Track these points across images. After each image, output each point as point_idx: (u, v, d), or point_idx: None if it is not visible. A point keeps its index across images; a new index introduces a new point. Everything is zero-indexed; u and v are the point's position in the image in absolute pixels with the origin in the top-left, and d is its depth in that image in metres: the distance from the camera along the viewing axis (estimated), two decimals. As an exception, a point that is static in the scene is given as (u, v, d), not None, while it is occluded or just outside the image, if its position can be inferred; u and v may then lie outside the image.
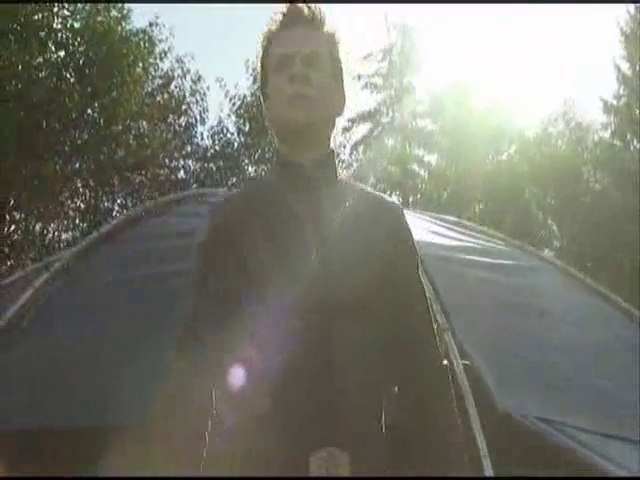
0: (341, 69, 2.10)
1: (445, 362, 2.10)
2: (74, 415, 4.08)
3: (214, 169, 14.92)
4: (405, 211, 5.55)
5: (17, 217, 13.72)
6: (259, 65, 2.11)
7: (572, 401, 4.38)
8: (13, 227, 13.76)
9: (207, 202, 5.45)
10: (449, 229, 5.53)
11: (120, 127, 13.83)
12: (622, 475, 3.90)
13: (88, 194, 14.24)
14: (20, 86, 12.54)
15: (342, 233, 1.99)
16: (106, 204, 14.66)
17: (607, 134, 25.65)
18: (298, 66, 1.99)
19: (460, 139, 26.70)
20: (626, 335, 5.27)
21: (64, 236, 14.44)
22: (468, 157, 26.38)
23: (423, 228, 5.22)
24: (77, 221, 14.58)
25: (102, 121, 13.55)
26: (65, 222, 14.23)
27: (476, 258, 5.05)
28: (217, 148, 15.29)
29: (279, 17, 2.07)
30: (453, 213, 24.35)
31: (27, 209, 13.30)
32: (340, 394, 1.92)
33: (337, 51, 2.09)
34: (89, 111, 13.54)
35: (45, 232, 14.00)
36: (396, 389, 2.10)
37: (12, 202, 13.31)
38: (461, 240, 5.30)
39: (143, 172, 14.33)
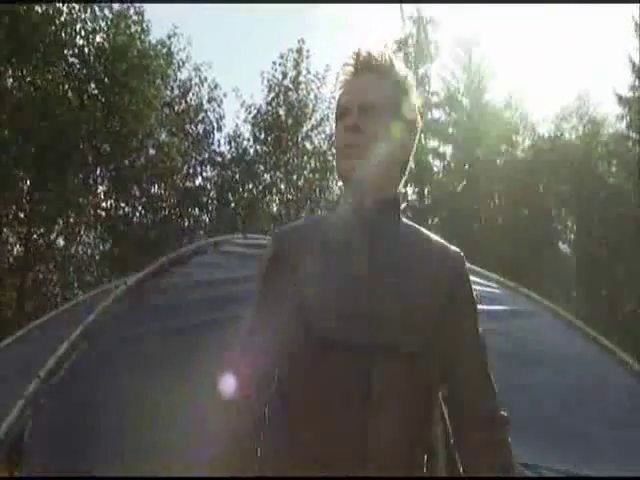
0: (411, 113, 2.12)
1: (504, 413, 2.10)
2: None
3: (231, 176, 15.39)
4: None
5: (40, 231, 14.28)
6: (335, 106, 2.15)
7: (553, 445, 4.81)
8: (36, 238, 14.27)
9: (223, 252, 5.92)
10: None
11: (140, 137, 14.33)
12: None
13: (108, 203, 14.83)
14: (45, 103, 13.07)
15: (397, 276, 2.01)
16: (126, 209, 15.16)
17: (622, 126, 25.95)
18: (353, 116, 2.03)
19: (474, 132, 26.98)
20: (615, 378, 5.65)
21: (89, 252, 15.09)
22: (482, 151, 26.69)
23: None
24: (98, 228, 15.15)
25: (123, 133, 14.05)
26: (86, 233, 14.84)
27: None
28: (233, 154, 15.73)
29: (349, 65, 2.11)
30: (468, 206, 24.66)
31: (50, 222, 13.93)
32: (374, 442, 1.92)
33: (406, 97, 2.10)
34: (110, 124, 14.04)
35: (68, 246, 14.60)
36: (452, 441, 2.11)
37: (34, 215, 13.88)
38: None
39: (163, 182, 14.86)
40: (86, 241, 15.60)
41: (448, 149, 30.75)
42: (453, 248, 2.17)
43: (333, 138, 2.16)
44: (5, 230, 14.94)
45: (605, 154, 25.60)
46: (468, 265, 5.76)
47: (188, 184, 15.59)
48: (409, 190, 29.50)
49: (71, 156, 13.53)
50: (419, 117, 2.15)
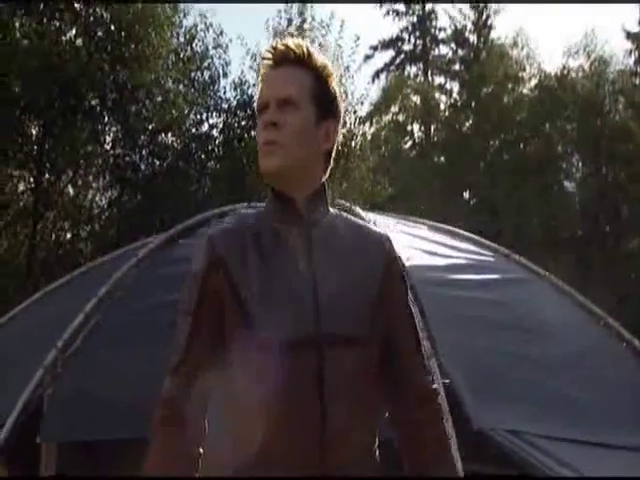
0: (331, 102, 2.10)
1: (436, 386, 2.16)
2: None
3: (236, 124, 15.48)
4: (403, 222, 6.26)
5: (50, 179, 14.51)
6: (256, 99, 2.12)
7: (541, 411, 5.03)
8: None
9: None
10: (441, 244, 6.18)
11: (147, 86, 14.43)
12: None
13: (116, 152, 15.02)
14: (53, 53, 13.20)
15: (334, 266, 2.03)
16: (133, 157, 15.32)
17: (630, 62, 25.83)
18: (270, 111, 2.02)
19: (481, 70, 26.88)
20: (604, 346, 5.89)
21: (97, 198, 15.35)
22: (489, 88, 26.61)
23: (417, 248, 5.89)
24: (106, 176, 15.37)
25: (130, 83, 14.17)
26: (95, 180, 15.09)
27: (463, 277, 5.74)
28: (239, 100, 15.79)
29: (267, 59, 2.09)
30: (474, 145, 24.68)
31: (60, 171, 14.19)
32: (332, 429, 1.94)
33: (327, 85, 2.09)
34: (117, 73, 14.14)
35: (78, 195, 14.86)
36: (387, 415, 2.15)
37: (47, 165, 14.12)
38: (451, 257, 5.97)
39: (170, 130, 15.03)
40: (95, 186, 15.82)
41: (455, 86, 30.86)
42: (380, 231, 2.20)
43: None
44: (15, 174, 15.17)
45: (612, 91, 25.48)
46: (463, 232, 5.98)
47: (194, 131, 15.72)
48: (415, 128, 29.78)
49: (79, 106, 13.69)
50: (341, 104, 2.14)
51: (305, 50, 2.06)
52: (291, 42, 2.07)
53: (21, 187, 15.46)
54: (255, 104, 2.11)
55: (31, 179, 14.81)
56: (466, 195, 27.45)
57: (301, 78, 2.05)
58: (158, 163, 15.24)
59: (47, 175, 14.34)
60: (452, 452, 2.13)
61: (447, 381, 4.84)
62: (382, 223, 5.95)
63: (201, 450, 2.02)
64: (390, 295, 2.09)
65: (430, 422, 2.11)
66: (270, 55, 2.07)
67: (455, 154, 26.18)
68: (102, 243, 14.71)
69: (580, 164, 27.05)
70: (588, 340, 5.89)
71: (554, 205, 24.35)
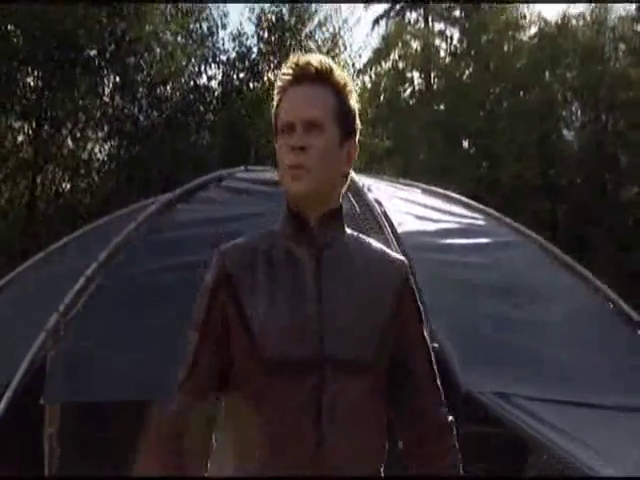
0: (352, 119, 2.11)
1: (451, 418, 2.15)
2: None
3: (235, 76, 15.52)
4: (397, 186, 6.39)
5: (50, 131, 14.59)
6: (273, 113, 2.11)
7: (527, 373, 5.19)
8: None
9: (226, 188, 6.27)
10: (434, 209, 6.31)
11: (145, 40, 14.44)
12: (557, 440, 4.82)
13: (115, 103, 15.07)
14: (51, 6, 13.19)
15: (343, 289, 2.02)
16: (132, 110, 15.37)
17: (632, 7, 25.64)
18: (297, 134, 2.01)
19: (481, 17, 26.71)
20: (591, 308, 6.03)
21: (97, 149, 15.43)
22: (489, 36, 26.47)
23: (409, 213, 6.02)
24: (105, 128, 15.44)
25: (128, 35, 14.18)
26: (94, 133, 15.16)
27: (454, 241, 5.87)
28: (238, 52, 15.80)
29: (288, 75, 2.07)
30: (474, 93, 24.56)
31: (59, 125, 14.27)
32: (327, 457, 1.93)
33: (348, 104, 2.09)
34: (115, 26, 14.15)
35: (78, 147, 14.94)
36: (400, 445, 2.15)
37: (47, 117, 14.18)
38: (442, 221, 6.11)
39: (168, 82, 15.07)
40: (93, 138, 15.89)
41: (455, 33, 30.62)
42: (396, 255, 2.20)
43: (278, 152, 2.09)
44: (15, 126, 15.23)
45: (612, 38, 25.33)
46: (455, 195, 6.11)
47: (192, 83, 15.75)
48: (415, 75, 29.64)
49: (78, 59, 13.72)
50: (358, 122, 2.15)
51: (328, 67, 2.06)
52: (313, 59, 2.06)
53: (20, 138, 15.56)
54: (276, 119, 2.08)
55: (30, 131, 14.89)
56: (465, 144, 27.46)
57: (325, 98, 2.05)
58: (157, 115, 15.29)
59: (46, 127, 14.39)
60: None
61: (436, 345, 4.96)
62: (376, 187, 6.07)
63: (207, 465, 2.05)
64: (402, 322, 2.09)
65: (444, 456, 2.11)
66: (291, 71, 2.06)
67: (455, 102, 26.11)
68: (101, 195, 14.85)
69: (579, 112, 26.99)
70: (576, 303, 6.04)
71: (553, 153, 24.38)
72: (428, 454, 2.11)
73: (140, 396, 4.96)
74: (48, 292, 5.80)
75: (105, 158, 16.02)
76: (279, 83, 2.09)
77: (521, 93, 25.94)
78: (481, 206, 6.66)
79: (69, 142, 15.32)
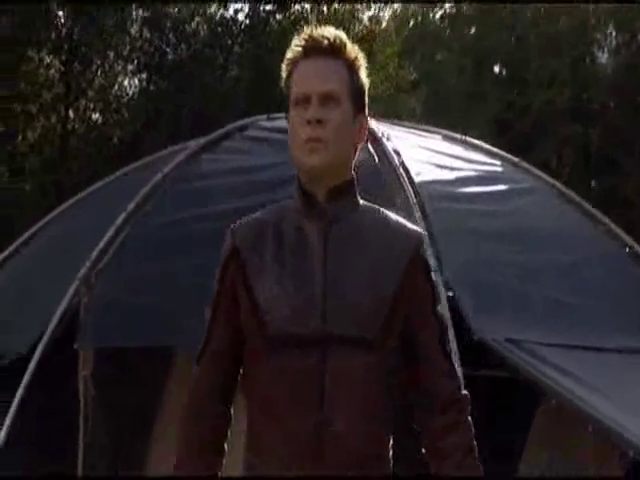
0: (363, 92, 2.12)
1: (465, 392, 2.13)
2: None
3: (261, 8, 15.47)
4: (417, 133, 6.48)
5: (80, 67, 14.73)
6: (284, 84, 2.11)
7: (540, 319, 5.35)
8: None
9: (249, 137, 6.41)
10: (453, 156, 6.38)
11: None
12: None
13: (143, 36, 15.14)
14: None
15: (350, 264, 2.02)
16: (160, 44, 15.42)
17: None
18: (314, 107, 2.01)
19: None
20: (608, 253, 6.07)
21: (126, 83, 15.56)
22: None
23: (428, 162, 6.12)
24: (134, 61, 15.53)
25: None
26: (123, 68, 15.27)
27: (470, 189, 5.97)
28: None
29: (301, 46, 2.07)
30: (502, 18, 24.13)
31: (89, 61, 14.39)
32: (329, 435, 1.94)
33: (360, 79, 2.10)
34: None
35: (108, 81, 15.08)
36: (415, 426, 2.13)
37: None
38: (460, 169, 6.20)
39: (196, 16, 15.09)
40: (123, 72, 16.00)
41: None
42: (413, 228, 2.15)
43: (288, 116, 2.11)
44: (46, 60, 15.37)
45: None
46: (476, 141, 6.21)
47: (219, 16, 15.72)
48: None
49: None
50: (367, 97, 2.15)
51: (341, 41, 2.07)
52: (327, 32, 2.07)
53: (52, 73, 15.72)
54: (290, 90, 2.08)
55: (61, 67, 15.04)
56: (496, 69, 27.17)
57: (340, 72, 2.05)
58: (185, 49, 15.34)
59: (76, 64, 14.53)
60: (475, 460, 2.10)
61: (450, 294, 5.10)
62: (395, 136, 6.16)
63: (229, 436, 2.11)
64: (412, 295, 2.06)
65: (455, 430, 2.08)
66: (305, 43, 2.07)
67: (485, 26, 25.75)
68: (132, 129, 15.03)
69: (614, 35, 26.53)
70: (592, 248, 6.10)
71: (586, 77, 24.09)
72: (436, 428, 2.09)
73: (167, 342, 5.25)
74: (79, 241, 6.02)
75: (135, 93, 16.15)
76: (290, 55, 2.09)
77: (554, 16, 25.52)
78: (501, 152, 6.73)
79: (99, 77, 15.45)
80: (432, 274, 2.14)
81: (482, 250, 5.58)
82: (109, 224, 5.73)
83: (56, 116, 15.61)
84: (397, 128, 6.68)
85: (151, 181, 5.95)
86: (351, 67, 2.07)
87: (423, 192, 5.58)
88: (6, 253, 6.69)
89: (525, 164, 6.63)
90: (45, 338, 5.35)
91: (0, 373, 5.48)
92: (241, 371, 2.11)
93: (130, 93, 16.19)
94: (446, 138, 6.79)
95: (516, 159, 6.65)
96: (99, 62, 15.01)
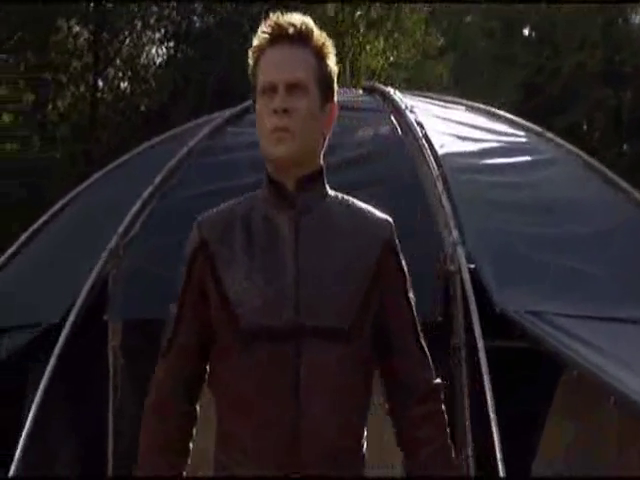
0: (332, 81, 2.09)
1: (438, 380, 2.12)
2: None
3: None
4: (440, 104, 6.48)
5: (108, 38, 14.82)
6: (251, 72, 2.07)
7: (562, 291, 5.35)
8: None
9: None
10: (476, 127, 6.38)
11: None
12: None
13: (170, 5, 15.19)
14: None
15: (321, 255, 2.00)
16: (187, 12, 15.45)
17: None
18: (280, 96, 1.99)
19: None
20: (632, 224, 6.01)
21: (154, 51, 15.63)
22: None
23: (450, 134, 6.14)
24: (161, 30, 15.59)
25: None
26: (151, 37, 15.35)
27: (493, 161, 5.98)
28: None
29: (266, 34, 2.04)
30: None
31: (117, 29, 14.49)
32: (305, 428, 1.91)
33: (328, 66, 2.07)
34: None
35: (136, 50, 15.17)
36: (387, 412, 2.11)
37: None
38: (483, 141, 6.21)
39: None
40: (150, 40, 16.07)
41: None
42: (382, 216, 2.12)
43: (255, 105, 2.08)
44: (75, 29, 15.49)
45: None
46: (499, 112, 6.19)
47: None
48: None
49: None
50: (336, 84, 2.12)
51: (308, 28, 2.04)
52: (294, 18, 2.03)
53: (81, 41, 15.83)
54: (254, 79, 2.06)
55: (90, 36, 15.14)
56: (526, 32, 26.88)
57: (307, 60, 2.03)
58: (212, 16, 15.36)
59: (104, 34, 14.62)
60: (450, 451, 2.09)
61: (472, 266, 5.14)
62: (418, 107, 6.19)
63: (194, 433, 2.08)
64: (385, 285, 2.05)
65: (432, 419, 2.07)
66: (271, 30, 2.03)
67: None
68: (160, 97, 15.12)
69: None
70: (616, 219, 6.05)
71: (618, 39, 23.79)
72: (412, 418, 2.07)
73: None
74: (108, 214, 6.12)
75: (162, 61, 16.23)
76: (256, 42, 2.04)
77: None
78: (526, 122, 6.72)
79: (127, 45, 15.53)
80: (403, 261, 2.12)
81: (505, 222, 5.60)
82: (136, 197, 5.82)
83: (85, 85, 15.74)
84: (420, 99, 6.69)
85: (177, 154, 6.03)
86: (319, 54, 2.05)
87: (446, 164, 5.61)
88: (36, 225, 6.81)
89: (549, 134, 6.61)
90: (76, 308, 5.47)
91: (32, 342, 5.60)
92: (208, 368, 2.08)
93: (157, 62, 16.26)
94: (469, 109, 6.80)
95: (540, 129, 6.64)
96: (127, 32, 15.06)
